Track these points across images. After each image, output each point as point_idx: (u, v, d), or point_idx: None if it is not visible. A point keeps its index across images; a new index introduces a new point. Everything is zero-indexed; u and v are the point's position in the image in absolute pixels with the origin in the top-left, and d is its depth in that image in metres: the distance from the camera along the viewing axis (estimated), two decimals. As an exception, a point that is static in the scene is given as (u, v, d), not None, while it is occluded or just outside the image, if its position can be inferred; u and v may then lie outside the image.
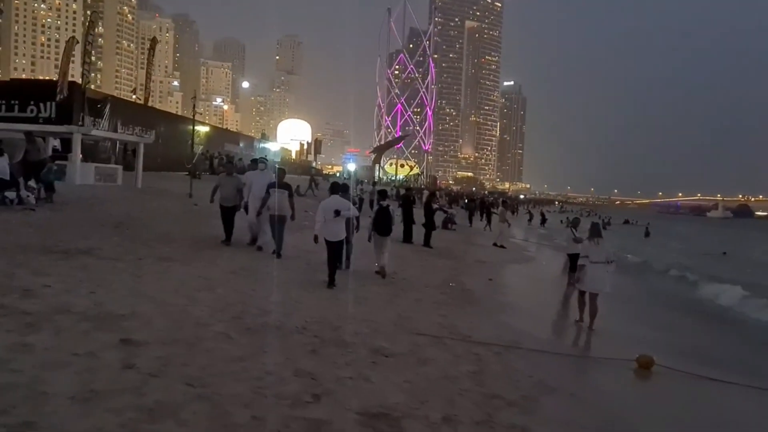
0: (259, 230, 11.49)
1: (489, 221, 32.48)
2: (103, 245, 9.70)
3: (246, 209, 11.49)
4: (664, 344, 9.12)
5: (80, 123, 24.85)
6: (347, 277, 9.94)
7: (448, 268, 14.02)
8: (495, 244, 21.74)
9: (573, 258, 14.03)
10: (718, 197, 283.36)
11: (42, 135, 24.40)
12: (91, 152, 28.20)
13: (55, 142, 26.20)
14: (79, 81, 27.47)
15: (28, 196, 13.20)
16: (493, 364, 6.26)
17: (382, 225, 11.14)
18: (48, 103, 25.20)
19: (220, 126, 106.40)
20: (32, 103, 25.34)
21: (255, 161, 13.10)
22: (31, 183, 13.79)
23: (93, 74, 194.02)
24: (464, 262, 15.89)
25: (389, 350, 6.07)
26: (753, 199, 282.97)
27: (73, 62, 34.53)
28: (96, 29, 31.98)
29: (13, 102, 25.64)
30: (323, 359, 5.41)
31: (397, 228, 14.31)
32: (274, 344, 5.66)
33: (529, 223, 46.48)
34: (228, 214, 11.53)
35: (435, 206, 20.84)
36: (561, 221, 57.08)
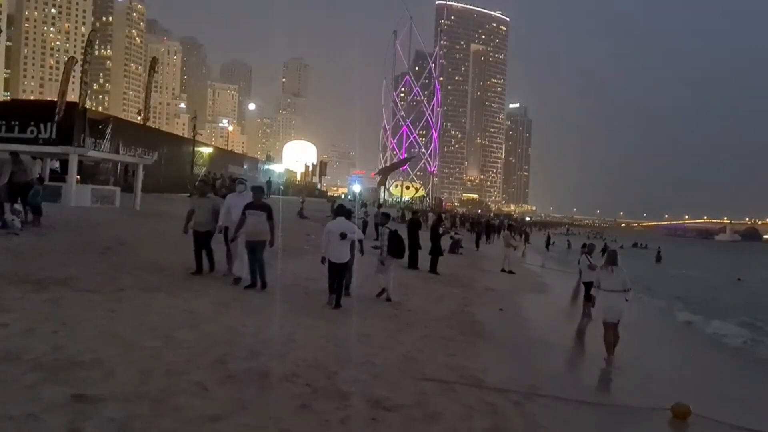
0: (237, 257, 10.24)
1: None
2: (84, 274, 8.96)
3: (225, 235, 10.20)
4: (697, 387, 8.28)
5: (81, 144, 24.38)
6: (347, 308, 9.22)
7: (456, 297, 13.21)
8: (503, 270, 20.93)
9: (588, 286, 13.28)
10: (725, 220, 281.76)
11: (40, 156, 23.97)
12: (91, 174, 27.71)
13: (55, 164, 25.75)
14: (82, 101, 27.13)
15: (13, 219, 12.50)
16: (511, 418, 5.42)
17: (397, 248, 11.35)
18: (48, 124, 24.78)
19: (225, 148, 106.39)
20: (32, 123, 24.93)
21: (233, 182, 11.97)
22: (17, 206, 13.13)
23: (101, 96, 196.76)
24: (473, 290, 15.05)
25: (392, 401, 5.25)
26: (760, 222, 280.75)
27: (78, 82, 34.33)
28: (95, 48, 31.70)
29: (13, 123, 25.24)
30: (314, 417, 4.61)
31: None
32: (257, 397, 4.85)
33: (526, 246, 44.38)
34: (202, 241, 10.33)
35: (441, 230, 20.05)
36: (566, 242, 57.38)
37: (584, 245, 23.39)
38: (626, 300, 9.07)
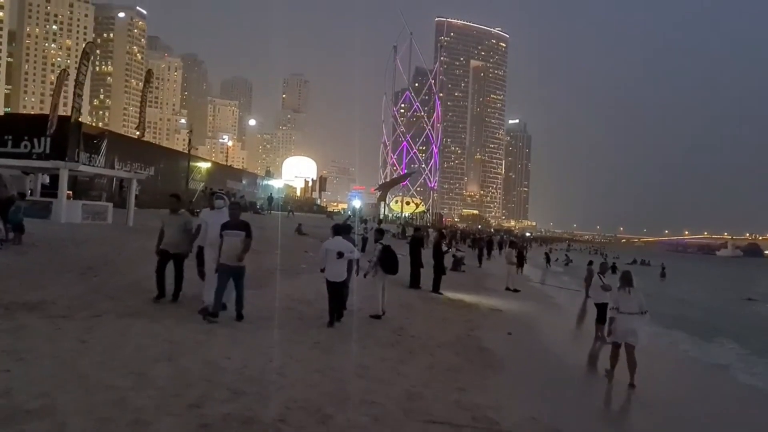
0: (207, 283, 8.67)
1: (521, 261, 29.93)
2: (59, 297, 8.26)
3: (199, 258, 8.96)
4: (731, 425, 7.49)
5: (76, 159, 23.74)
6: (345, 334, 8.49)
7: (460, 319, 12.42)
8: (508, 288, 20.18)
9: (601, 307, 12.56)
10: (725, 236, 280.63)
11: (31, 171, 23.32)
12: (85, 189, 27.06)
13: (46, 179, 25.10)
14: (76, 115, 26.56)
15: (-9, 237, 11.83)
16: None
17: (390, 264, 10.78)
18: (42, 139, 24.15)
19: (224, 163, 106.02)
20: (26, 138, 24.30)
21: (212, 196, 10.24)
22: (-3, 223, 12.44)
23: (102, 112, 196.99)
24: (478, 310, 14.25)
25: (395, 453, 4.51)
26: (761, 238, 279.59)
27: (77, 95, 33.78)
28: (91, 61, 31.24)
29: (6, 137, 24.62)
30: (302, 478, 3.87)
31: (403, 271, 12.80)
32: (236, 452, 4.12)
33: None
34: (170, 263, 9.13)
35: (444, 248, 19.29)
36: (566, 257, 57.39)
37: (590, 262, 22.71)
38: (643, 322, 8.58)
